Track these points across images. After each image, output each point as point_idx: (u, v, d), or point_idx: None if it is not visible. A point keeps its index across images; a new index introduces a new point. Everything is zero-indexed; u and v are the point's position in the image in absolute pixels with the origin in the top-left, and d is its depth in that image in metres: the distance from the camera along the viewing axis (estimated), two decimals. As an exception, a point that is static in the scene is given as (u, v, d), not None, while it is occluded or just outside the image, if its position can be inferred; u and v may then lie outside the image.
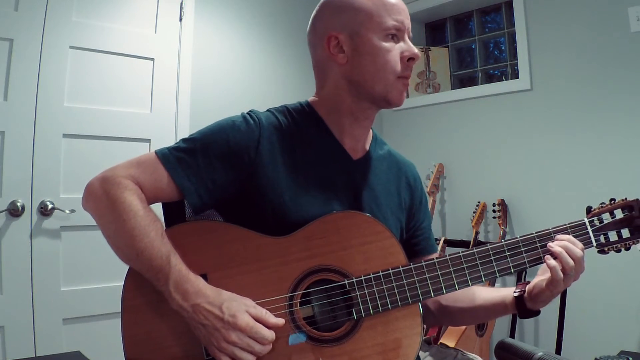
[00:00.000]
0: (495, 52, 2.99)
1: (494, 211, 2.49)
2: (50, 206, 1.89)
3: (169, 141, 2.16)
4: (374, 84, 0.91)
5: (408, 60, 0.91)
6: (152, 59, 2.23)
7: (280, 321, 0.80)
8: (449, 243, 2.54)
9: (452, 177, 2.78)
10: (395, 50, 0.91)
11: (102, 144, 2.06)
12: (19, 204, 1.83)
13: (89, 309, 1.96)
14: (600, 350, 2.07)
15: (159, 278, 0.78)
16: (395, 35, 0.91)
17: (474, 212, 2.50)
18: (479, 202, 2.54)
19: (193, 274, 0.80)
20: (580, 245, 0.88)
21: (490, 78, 2.96)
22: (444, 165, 2.75)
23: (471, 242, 2.40)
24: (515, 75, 2.67)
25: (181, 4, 2.34)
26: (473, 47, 3.02)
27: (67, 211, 1.91)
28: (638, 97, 2.13)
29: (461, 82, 3.07)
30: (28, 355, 1.78)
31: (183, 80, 2.33)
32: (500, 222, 2.44)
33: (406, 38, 0.93)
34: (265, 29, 2.68)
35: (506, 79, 2.81)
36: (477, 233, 2.43)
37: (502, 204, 2.49)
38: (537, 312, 0.92)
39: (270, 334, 0.77)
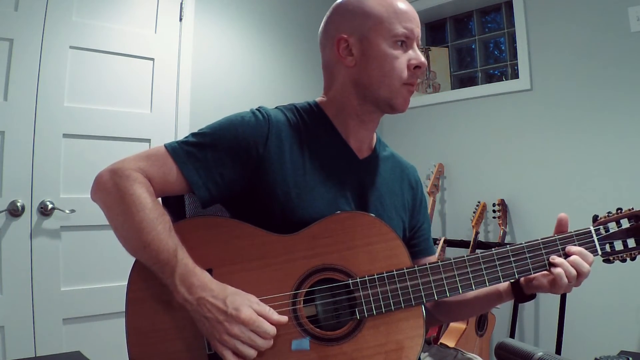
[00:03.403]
0: (495, 52, 2.99)
1: (494, 211, 2.50)
2: (50, 206, 1.89)
3: (169, 141, 2.15)
4: (379, 88, 0.93)
5: (414, 68, 0.92)
6: (152, 59, 2.23)
7: (284, 319, 0.80)
8: (449, 243, 2.54)
9: (452, 177, 2.78)
10: (403, 58, 0.92)
11: (102, 144, 2.06)
12: (19, 204, 1.83)
13: (89, 309, 1.96)
14: (600, 350, 2.07)
15: (165, 271, 0.79)
16: (404, 42, 0.92)
17: (474, 212, 2.50)
18: (479, 202, 2.54)
19: (199, 268, 0.80)
20: (591, 258, 0.88)
21: (490, 78, 2.96)
22: (444, 165, 2.75)
23: (471, 242, 2.40)
24: (515, 75, 2.67)
25: (181, 4, 2.33)
26: (473, 47, 3.02)
27: (67, 211, 1.91)
28: (638, 97, 2.13)
29: (461, 82, 3.07)
30: (28, 355, 1.78)
31: (183, 80, 2.33)
32: (500, 222, 2.44)
33: (414, 46, 0.94)
34: (265, 29, 2.68)
35: (506, 79, 2.81)
36: (477, 233, 2.42)
37: (502, 204, 2.49)
38: (534, 296, 0.93)
39: (272, 329, 0.78)
